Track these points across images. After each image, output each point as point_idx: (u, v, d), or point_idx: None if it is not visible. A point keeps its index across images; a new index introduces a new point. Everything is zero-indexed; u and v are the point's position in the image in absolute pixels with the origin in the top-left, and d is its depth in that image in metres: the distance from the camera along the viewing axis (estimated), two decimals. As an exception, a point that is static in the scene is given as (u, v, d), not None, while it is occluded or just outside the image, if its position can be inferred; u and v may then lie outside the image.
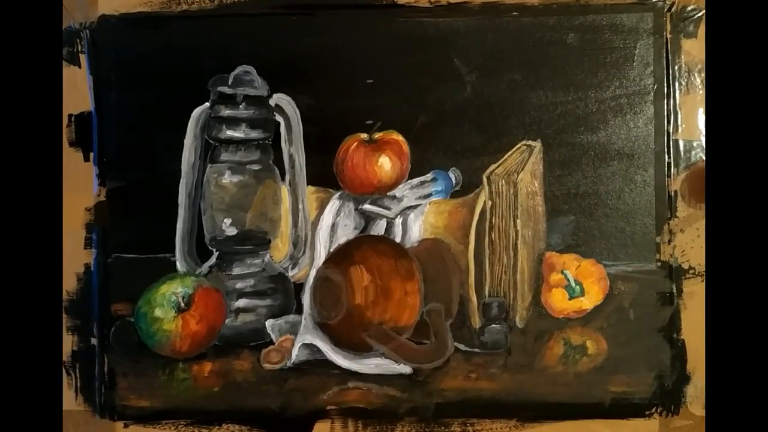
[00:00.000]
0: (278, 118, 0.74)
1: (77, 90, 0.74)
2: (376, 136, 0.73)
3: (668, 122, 0.72)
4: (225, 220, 0.73)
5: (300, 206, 0.75)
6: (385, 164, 0.72)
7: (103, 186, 0.74)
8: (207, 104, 0.73)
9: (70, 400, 0.72)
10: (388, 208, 0.74)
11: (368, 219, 0.75)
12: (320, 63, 0.73)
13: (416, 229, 0.74)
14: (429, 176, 0.74)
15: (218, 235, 0.73)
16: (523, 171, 0.70)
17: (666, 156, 0.72)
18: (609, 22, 0.72)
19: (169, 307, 0.69)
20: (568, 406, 0.67)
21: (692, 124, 0.72)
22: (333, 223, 0.74)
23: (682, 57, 0.72)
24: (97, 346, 0.73)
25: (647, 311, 0.71)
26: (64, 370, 0.73)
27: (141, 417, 0.72)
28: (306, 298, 0.72)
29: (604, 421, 0.68)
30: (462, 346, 0.70)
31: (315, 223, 0.75)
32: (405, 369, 0.69)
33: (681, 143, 0.72)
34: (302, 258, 0.75)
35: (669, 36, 0.72)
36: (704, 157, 0.71)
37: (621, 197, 0.72)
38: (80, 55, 0.74)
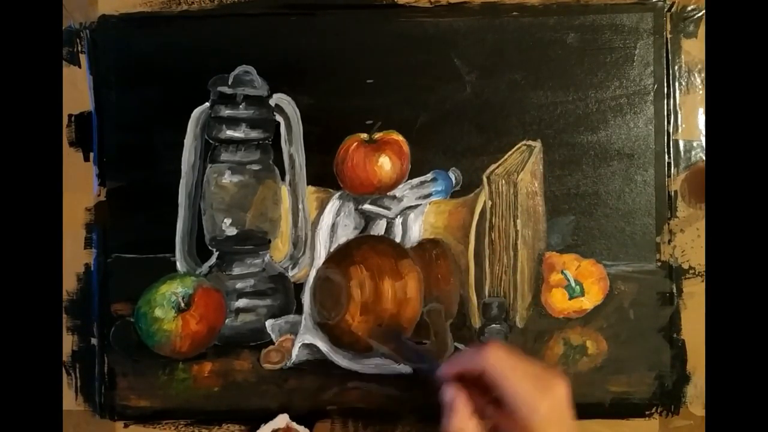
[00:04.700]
0: (278, 118, 0.74)
1: (77, 90, 0.74)
2: (376, 136, 0.73)
3: (668, 122, 0.72)
4: (225, 220, 0.73)
5: (300, 206, 0.75)
6: (385, 164, 0.72)
7: (103, 186, 0.74)
8: (207, 104, 0.73)
9: (70, 400, 0.73)
10: (388, 208, 0.74)
11: (368, 219, 0.75)
12: (320, 63, 0.73)
13: (416, 229, 0.74)
14: (429, 176, 0.74)
15: (218, 235, 0.73)
16: (523, 171, 0.70)
17: (666, 156, 0.72)
18: (609, 22, 0.72)
19: (169, 307, 0.69)
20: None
21: (692, 124, 0.72)
22: (333, 223, 0.74)
23: (682, 57, 0.72)
24: (97, 346, 0.73)
25: (647, 311, 0.71)
26: (64, 370, 0.73)
27: (141, 417, 0.72)
28: (306, 298, 0.72)
29: (604, 421, 0.68)
30: (462, 346, 0.70)
31: (315, 223, 0.75)
32: (405, 369, 0.69)
33: (681, 143, 0.72)
34: (302, 258, 0.75)
35: (669, 36, 0.72)
36: (704, 157, 0.71)
37: (621, 197, 0.72)
38: (80, 55, 0.74)
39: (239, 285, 0.73)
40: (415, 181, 0.75)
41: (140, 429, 0.72)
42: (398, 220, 0.74)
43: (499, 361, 0.54)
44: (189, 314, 0.69)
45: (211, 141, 0.73)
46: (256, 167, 0.73)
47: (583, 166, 0.72)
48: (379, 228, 0.75)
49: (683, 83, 0.72)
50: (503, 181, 0.70)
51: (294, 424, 0.67)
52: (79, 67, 0.74)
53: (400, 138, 0.73)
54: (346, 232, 0.74)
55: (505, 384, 0.54)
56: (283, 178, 0.74)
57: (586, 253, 0.72)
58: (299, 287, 0.74)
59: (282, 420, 0.68)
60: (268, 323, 0.72)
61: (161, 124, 0.73)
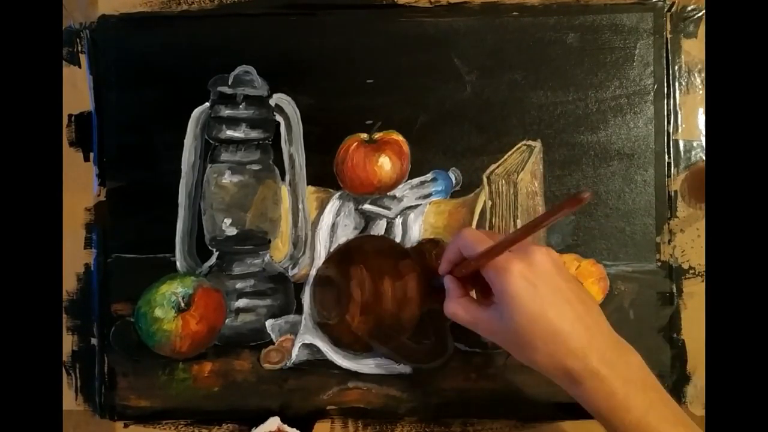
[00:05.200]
0: (278, 118, 0.74)
1: (77, 90, 0.74)
2: (376, 136, 0.73)
3: (668, 122, 0.72)
4: (225, 220, 0.73)
5: (300, 206, 0.75)
6: (385, 164, 0.72)
7: (103, 186, 0.74)
8: (207, 104, 0.73)
9: (70, 400, 0.73)
10: (388, 208, 0.74)
11: (368, 219, 0.75)
12: (320, 63, 0.73)
13: (416, 229, 0.74)
14: (429, 176, 0.74)
15: (218, 235, 0.73)
16: (523, 171, 0.70)
17: (666, 156, 0.72)
18: (609, 22, 0.72)
19: (169, 307, 0.69)
20: (568, 406, 0.67)
21: (692, 124, 0.72)
22: (333, 223, 0.74)
23: (682, 57, 0.72)
24: (97, 346, 0.73)
25: (647, 311, 0.71)
26: (64, 370, 0.73)
27: (141, 417, 0.72)
28: (306, 298, 0.72)
29: (604, 421, 0.68)
30: (462, 346, 0.70)
31: (315, 223, 0.75)
32: (405, 369, 0.69)
33: (681, 143, 0.72)
34: (302, 258, 0.75)
35: (669, 36, 0.72)
36: (704, 157, 0.71)
37: (621, 197, 0.72)
38: (80, 55, 0.74)
39: (239, 285, 0.73)
40: (415, 181, 0.75)
41: (140, 429, 0.72)
42: (398, 220, 0.74)
43: (469, 236, 0.58)
44: (189, 314, 0.69)
45: (211, 141, 0.73)
46: (256, 167, 0.73)
47: (583, 166, 0.72)
48: (379, 228, 0.75)
49: (683, 83, 0.72)
50: (503, 181, 0.70)
51: (286, 427, 0.67)
52: (79, 67, 0.74)
53: (400, 138, 0.73)
54: (346, 232, 0.74)
55: (475, 254, 0.56)
56: (283, 178, 0.75)
57: (586, 253, 0.72)
58: (299, 287, 0.74)
59: (273, 423, 0.68)
60: (268, 323, 0.72)
61: (161, 124, 0.73)
